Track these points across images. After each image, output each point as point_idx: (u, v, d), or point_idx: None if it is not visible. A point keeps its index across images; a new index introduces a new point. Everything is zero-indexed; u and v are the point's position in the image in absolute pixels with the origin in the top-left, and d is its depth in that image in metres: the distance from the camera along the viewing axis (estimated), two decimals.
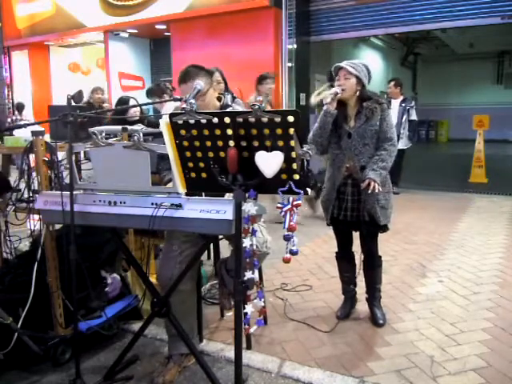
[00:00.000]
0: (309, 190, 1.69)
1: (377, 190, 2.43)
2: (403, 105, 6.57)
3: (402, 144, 6.53)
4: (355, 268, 2.83)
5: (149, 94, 4.41)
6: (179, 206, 1.80)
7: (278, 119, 1.57)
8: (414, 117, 6.70)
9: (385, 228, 2.64)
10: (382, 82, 13.48)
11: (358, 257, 2.79)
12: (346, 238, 2.78)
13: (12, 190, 2.42)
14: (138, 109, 4.14)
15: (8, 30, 10.89)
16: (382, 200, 2.56)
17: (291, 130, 1.59)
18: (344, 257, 2.83)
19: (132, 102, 4.36)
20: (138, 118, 4.07)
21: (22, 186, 2.35)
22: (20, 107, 9.56)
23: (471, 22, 6.78)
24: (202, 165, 1.77)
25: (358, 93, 2.54)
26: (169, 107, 3.63)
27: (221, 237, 2.59)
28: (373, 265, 2.73)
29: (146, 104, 4.51)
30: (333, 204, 2.62)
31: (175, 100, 2.16)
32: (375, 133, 2.53)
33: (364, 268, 2.74)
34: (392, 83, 6.71)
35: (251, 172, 1.64)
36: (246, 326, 1.76)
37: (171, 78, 8.46)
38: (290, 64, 7.68)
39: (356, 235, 2.76)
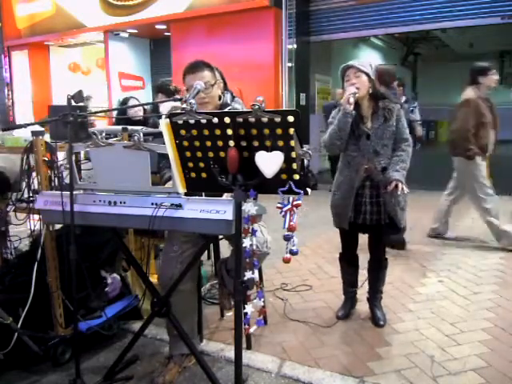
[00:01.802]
0: (309, 190, 1.68)
1: (405, 191, 2.40)
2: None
3: None
4: (358, 270, 2.82)
5: (153, 91, 4.43)
6: (179, 206, 1.80)
7: (277, 119, 1.57)
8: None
9: (399, 230, 2.61)
10: None
11: (361, 257, 2.79)
12: (352, 240, 2.75)
13: (12, 190, 2.42)
14: (141, 109, 4.14)
15: (8, 30, 10.90)
16: (402, 202, 2.54)
17: (291, 130, 1.58)
18: (348, 259, 2.80)
19: (132, 102, 4.36)
20: (140, 117, 4.07)
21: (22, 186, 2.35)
22: None
23: (471, 21, 6.79)
24: (202, 165, 1.77)
25: (370, 91, 2.48)
26: (166, 106, 3.63)
27: (221, 237, 2.58)
28: (379, 266, 2.72)
29: (146, 104, 4.53)
30: (351, 208, 2.54)
31: (175, 100, 2.16)
32: (393, 133, 2.49)
33: (369, 269, 2.73)
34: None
35: (251, 172, 1.64)
36: (246, 326, 1.76)
37: (171, 78, 8.47)
38: (289, 64, 7.68)
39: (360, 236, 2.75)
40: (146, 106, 4.45)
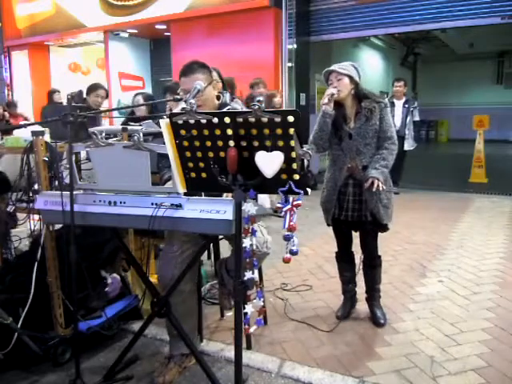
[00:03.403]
0: (309, 189, 1.68)
1: (381, 189, 2.44)
2: (406, 106, 6.56)
3: (408, 145, 6.53)
4: (355, 268, 2.84)
5: (167, 91, 4.36)
6: (179, 206, 1.80)
7: (278, 119, 1.57)
8: (417, 117, 6.70)
9: (385, 227, 2.64)
10: (382, 81, 13.51)
11: (358, 257, 2.80)
12: (345, 238, 2.79)
13: (12, 190, 2.42)
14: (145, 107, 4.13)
15: (8, 30, 10.89)
16: (384, 199, 2.57)
17: (291, 130, 1.58)
18: (344, 257, 2.83)
19: (138, 98, 4.35)
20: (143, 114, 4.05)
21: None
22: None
23: (471, 22, 6.78)
24: (201, 165, 1.77)
25: (352, 92, 2.54)
26: (180, 107, 3.61)
27: (221, 237, 2.58)
28: (373, 264, 2.74)
29: (149, 104, 4.50)
30: (334, 205, 2.62)
31: (175, 100, 2.16)
32: (375, 132, 2.54)
33: (364, 268, 2.75)
34: (402, 82, 6.66)
35: (251, 172, 1.64)
36: (246, 326, 1.76)
37: (171, 77, 8.47)
38: (289, 64, 7.67)
39: (355, 235, 2.77)
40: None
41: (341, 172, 2.59)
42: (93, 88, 4.47)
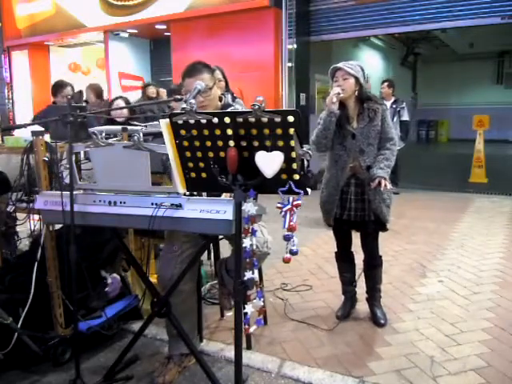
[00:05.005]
0: (309, 190, 1.68)
1: (388, 187, 2.46)
2: (394, 106, 6.62)
3: None
4: (355, 268, 2.84)
5: (171, 94, 4.30)
6: (179, 206, 1.80)
7: (278, 119, 1.57)
8: (405, 117, 6.74)
9: (386, 227, 2.65)
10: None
11: (358, 257, 2.80)
12: (345, 238, 2.78)
13: (12, 190, 2.42)
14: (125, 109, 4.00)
15: (8, 30, 10.89)
16: (387, 199, 2.60)
17: (291, 130, 1.58)
18: (344, 257, 2.83)
19: (119, 102, 4.25)
20: (124, 118, 3.92)
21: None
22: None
23: (471, 22, 6.78)
24: (202, 165, 1.77)
25: (356, 93, 2.55)
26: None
27: (221, 237, 2.58)
28: (374, 264, 2.74)
29: (145, 104, 4.48)
30: (336, 205, 2.62)
31: (175, 100, 2.16)
32: (378, 133, 2.56)
33: (365, 268, 2.75)
34: (385, 84, 6.76)
35: (251, 172, 1.64)
36: (246, 326, 1.76)
37: (171, 78, 8.47)
38: (289, 64, 7.67)
39: (355, 235, 2.77)
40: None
41: (343, 172, 2.59)
42: (63, 86, 4.06)
